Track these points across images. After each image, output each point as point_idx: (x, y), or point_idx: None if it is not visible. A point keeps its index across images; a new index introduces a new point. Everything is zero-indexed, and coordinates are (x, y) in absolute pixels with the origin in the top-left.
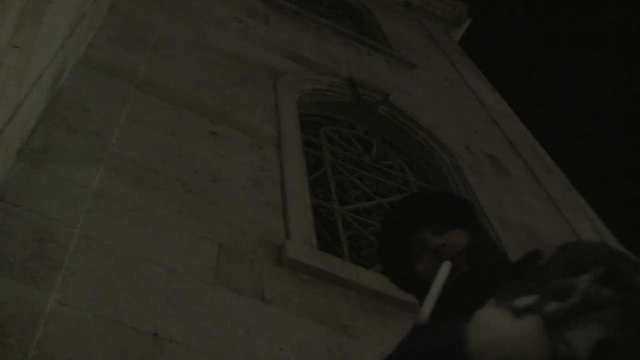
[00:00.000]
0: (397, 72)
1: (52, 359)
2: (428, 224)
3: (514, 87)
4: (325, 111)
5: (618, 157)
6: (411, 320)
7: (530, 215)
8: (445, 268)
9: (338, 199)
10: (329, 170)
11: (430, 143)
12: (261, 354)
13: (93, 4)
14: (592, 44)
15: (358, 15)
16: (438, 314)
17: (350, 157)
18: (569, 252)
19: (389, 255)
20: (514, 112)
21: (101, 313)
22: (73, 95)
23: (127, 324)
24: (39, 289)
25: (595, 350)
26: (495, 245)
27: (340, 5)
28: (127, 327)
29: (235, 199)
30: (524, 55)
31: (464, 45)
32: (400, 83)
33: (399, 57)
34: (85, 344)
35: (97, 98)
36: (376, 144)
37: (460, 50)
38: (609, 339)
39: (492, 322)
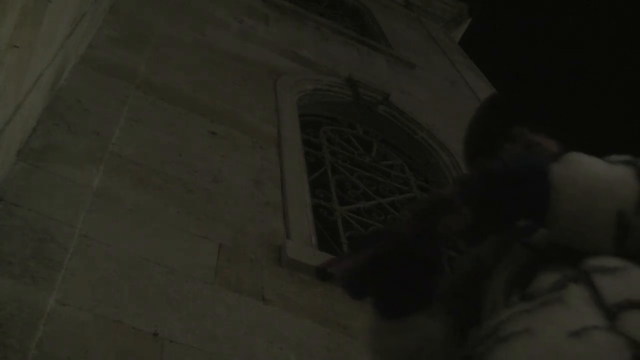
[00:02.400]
0: (397, 72)
1: (52, 359)
2: (527, 121)
3: (513, 87)
4: (325, 111)
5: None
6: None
7: None
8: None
9: (338, 199)
10: (329, 170)
11: (430, 143)
12: (261, 354)
13: (93, 4)
14: (593, 44)
15: (358, 15)
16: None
17: (350, 157)
18: None
19: (474, 140)
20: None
21: (101, 313)
22: (73, 95)
23: (127, 324)
24: (39, 289)
25: None
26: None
27: (340, 5)
28: (127, 327)
29: (235, 199)
30: (524, 55)
31: (464, 45)
32: (400, 83)
33: (399, 57)
34: (85, 344)
35: (97, 98)
36: (376, 144)
37: (460, 50)
38: None
39: (584, 159)
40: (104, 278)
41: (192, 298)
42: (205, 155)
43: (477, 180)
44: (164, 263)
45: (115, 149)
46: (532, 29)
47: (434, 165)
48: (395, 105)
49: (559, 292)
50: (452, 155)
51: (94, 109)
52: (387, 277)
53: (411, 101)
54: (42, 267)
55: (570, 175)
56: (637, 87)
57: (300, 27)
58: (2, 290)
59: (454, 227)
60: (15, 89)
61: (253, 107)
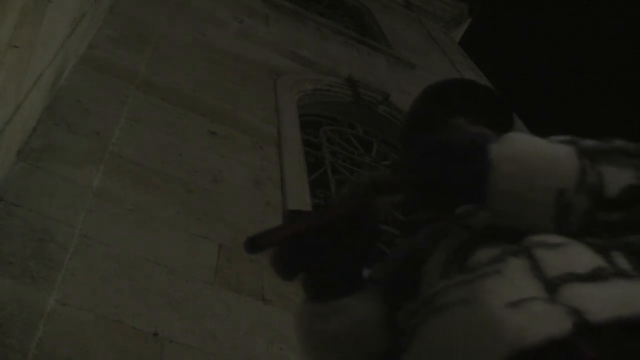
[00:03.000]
0: (397, 72)
1: (52, 359)
2: (467, 113)
3: (514, 87)
4: (325, 111)
5: None
6: None
7: None
8: None
9: None
10: (329, 170)
11: None
12: (261, 354)
13: (93, 4)
14: (593, 44)
15: (358, 15)
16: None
17: (350, 157)
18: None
19: (412, 129)
20: (514, 112)
21: (101, 313)
22: (73, 95)
23: (127, 324)
24: (39, 289)
25: (624, 192)
26: None
27: (340, 5)
28: (127, 327)
29: (235, 199)
30: (524, 55)
31: (464, 45)
32: (400, 83)
33: (399, 57)
34: (85, 344)
35: (97, 98)
36: (376, 144)
37: (460, 50)
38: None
39: (523, 137)
40: (104, 278)
41: (192, 298)
42: (205, 155)
43: (416, 154)
44: (164, 263)
45: (115, 149)
46: (532, 29)
47: None
48: (395, 105)
49: (498, 264)
50: None
51: (94, 109)
52: (319, 256)
53: (411, 101)
54: (42, 267)
55: (509, 152)
56: (638, 87)
57: (300, 27)
58: (2, 290)
59: (394, 206)
60: (15, 89)
61: (253, 107)
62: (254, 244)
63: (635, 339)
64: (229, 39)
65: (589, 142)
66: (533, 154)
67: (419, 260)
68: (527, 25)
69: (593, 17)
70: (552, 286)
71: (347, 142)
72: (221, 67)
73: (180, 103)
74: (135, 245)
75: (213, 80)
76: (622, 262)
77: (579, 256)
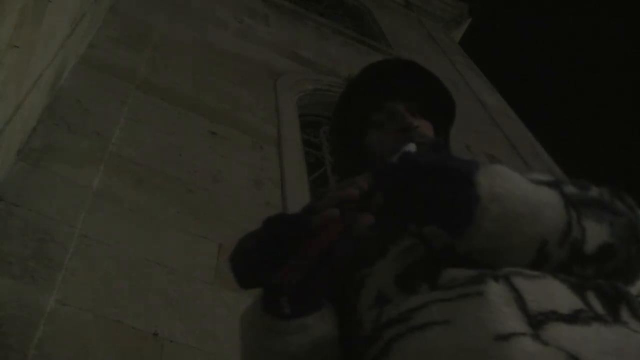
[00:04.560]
0: None
1: (52, 359)
2: (406, 98)
3: (514, 87)
4: (325, 111)
5: (619, 157)
6: None
7: None
8: (409, 149)
9: None
10: (329, 170)
11: None
12: None
13: (93, 4)
14: (593, 44)
15: (358, 15)
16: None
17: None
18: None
19: (343, 110)
20: (514, 112)
21: (101, 313)
22: (73, 95)
23: (127, 324)
24: (39, 289)
25: (599, 249)
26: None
27: (340, 5)
28: (127, 327)
29: (235, 199)
30: (524, 55)
31: (464, 45)
32: None
33: (399, 57)
34: (85, 344)
35: (97, 98)
36: None
37: (460, 50)
38: (613, 246)
39: (512, 176)
40: (104, 278)
41: (192, 298)
42: (205, 155)
43: (397, 169)
44: (164, 263)
45: (115, 149)
46: (532, 29)
47: None
48: None
49: (478, 285)
50: None
51: (94, 109)
52: (289, 272)
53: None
54: (42, 267)
55: (497, 192)
56: (638, 87)
57: (300, 27)
58: (2, 290)
59: (367, 223)
60: (15, 89)
61: (253, 107)
62: (250, 283)
63: None
64: (229, 39)
65: (572, 189)
66: (523, 197)
67: (364, 259)
68: (527, 25)
69: (594, 17)
70: (536, 322)
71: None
72: (221, 67)
73: (180, 103)
74: (135, 245)
75: (213, 80)
76: (597, 305)
77: (558, 293)
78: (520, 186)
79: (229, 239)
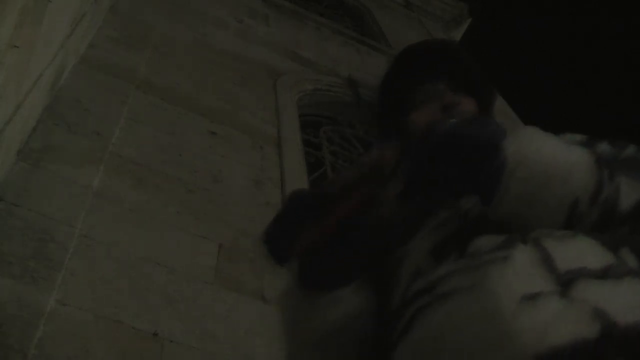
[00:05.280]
0: None
1: (52, 359)
2: (448, 77)
3: (514, 87)
4: (325, 111)
5: None
6: None
7: None
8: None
9: None
10: (329, 170)
11: None
12: (261, 354)
13: (93, 4)
14: (593, 44)
15: (358, 15)
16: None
17: (350, 157)
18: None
19: (385, 91)
20: (514, 112)
21: (101, 313)
22: (73, 95)
23: (127, 324)
24: (39, 289)
25: (635, 207)
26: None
27: (340, 5)
28: (127, 327)
29: (235, 199)
30: (524, 55)
31: (464, 45)
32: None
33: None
34: (85, 344)
35: (97, 98)
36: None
37: None
38: None
39: (540, 137)
40: (104, 278)
41: (192, 298)
42: (205, 155)
43: (425, 140)
44: (164, 263)
45: (115, 149)
46: (532, 29)
47: None
48: None
49: (504, 250)
50: None
51: (94, 109)
52: (320, 245)
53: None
54: (42, 267)
55: (524, 154)
56: (638, 87)
57: (300, 27)
58: (2, 290)
59: (392, 195)
60: (15, 89)
61: (253, 107)
62: (279, 256)
63: None
64: (229, 39)
65: (606, 148)
66: (550, 158)
67: (400, 237)
68: (527, 25)
69: (594, 17)
70: (564, 280)
71: (347, 142)
72: (221, 67)
73: (180, 103)
74: (135, 245)
75: (213, 80)
76: (631, 259)
77: (589, 250)
78: (548, 147)
79: (229, 239)
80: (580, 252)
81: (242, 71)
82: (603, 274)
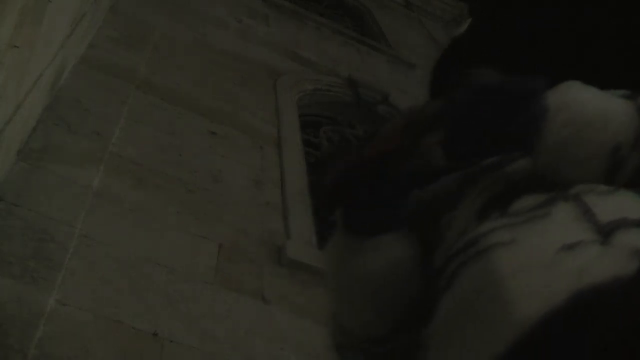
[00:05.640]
0: (397, 72)
1: (52, 359)
2: (498, 63)
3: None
4: (325, 111)
5: None
6: None
7: None
8: None
9: None
10: None
11: None
12: (261, 354)
13: (93, 4)
14: (594, 44)
15: (358, 15)
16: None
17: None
18: None
19: (437, 78)
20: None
21: (101, 313)
22: (73, 95)
23: (127, 324)
24: (39, 289)
25: None
26: None
27: (340, 5)
28: (127, 327)
29: (235, 199)
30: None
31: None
32: (400, 83)
33: (399, 57)
34: (85, 344)
35: (97, 98)
36: None
37: None
38: None
39: (581, 86)
40: (104, 278)
41: (192, 298)
42: (205, 155)
43: (464, 92)
44: (164, 263)
45: (115, 149)
46: (532, 28)
47: None
48: (395, 105)
49: (546, 208)
50: None
51: (94, 109)
52: (363, 188)
53: (411, 101)
54: (42, 267)
55: (565, 100)
56: (638, 87)
57: (300, 27)
58: (2, 290)
59: (434, 147)
60: (15, 89)
61: (253, 107)
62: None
63: None
64: (229, 39)
65: None
66: (591, 103)
67: (449, 204)
68: (527, 25)
69: (594, 17)
70: (606, 231)
71: (347, 142)
72: (221, 67)
73: (180, 103)
74: (135, 245)
75: (213, 80)
76: None
77: (631, 203)
78: (589, 94)
79: (229, 239)
80: (622, 204)
81: (242, 71)
82: None
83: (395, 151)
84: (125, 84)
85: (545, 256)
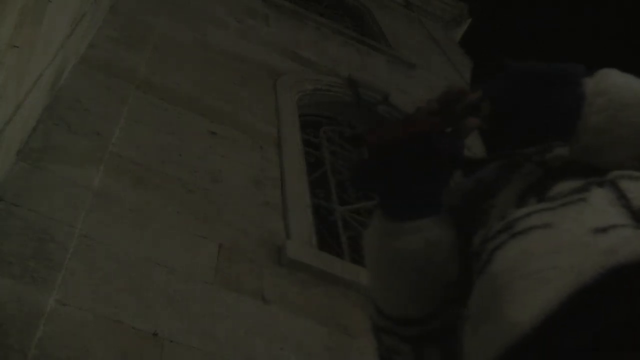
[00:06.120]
0: (397, 72)
1: (52, 359)
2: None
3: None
4: (325, 111)
5: None
6: None
7: None
8: None
9: (338, 199)
10: (329, 170)
11: None
12: (261, 354)
13: (93, 4)
14: (593, 44)
15: (358, 15)
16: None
17: (350, 157)
18: None
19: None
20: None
21: (101, 313)
22: (73, 95)
23: (127, 324)
24: (39, 289)
25: None
26: None
27: (340, 5)
28: (127, 327)
29: (235, 199)
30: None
31: (464, 45)
32: (400, 83)
33: (399, 57)
34: (85, 344)
35: (97, 98)
36: None
37: (460, 50)
38: None
39: (617, 73)
40: (104, 278)
41: (192, 298)
42: (205, 155)
43: (504, 78)
44: (164, 263)
45: (115, 149)
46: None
47: None
48: (395, 105)
49: (582, 193)
50: None
51: (94, 109)
52: (401, 172)
53: (411, 101)
54: (42, 267)
55: (602, 86)
56: None
57: (300, 27)
58: (2, 290)
59: (473, 130)
60: (15, 89)
61: (253, 107)
62: (358, 139)
63: None
64: (229, 39)
65: None
66: (627, 89)
67: (488, 192)
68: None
69: (595, 17)
70: (639, 216)
71: (348, 142)
72: (221, 67)
73: (180, 103)
74: (135, 245)
75: (213, 80)
76: None
77: None
78: (626, 79)
79: (229, 239)
80: None
81: (242, 71)
82: None
83: (432, 131)
84: (125, 84)
85: (578, 238)
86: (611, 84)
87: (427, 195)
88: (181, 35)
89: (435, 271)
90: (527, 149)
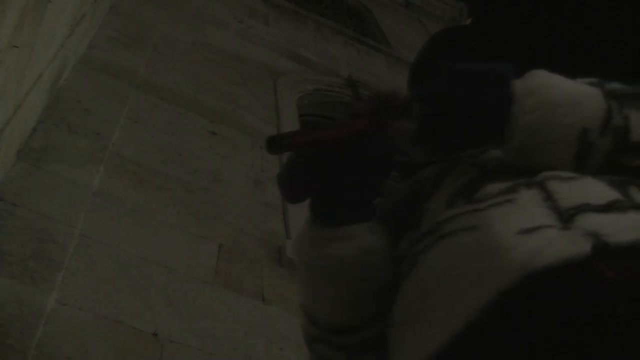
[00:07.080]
0: (397, 72)
1: (52, 359)
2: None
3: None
4: (325, 111)
5: None
6: None
7: None
8: None
9: None
10: None
11: None
12: (261, 354)
13: (93, 4)
14: (594, 44)
15: (358, 15)
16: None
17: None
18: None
19: (414, 73)
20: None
21: (101, 313)
22: (73, 95)
23: (127, 324)
24: (39, 289)
25: None
26: None
27: (340, 5)
28: (127, 327)
29: (235, 199)
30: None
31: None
32: (400, 83)
33: (399, 57)
34: (85, 344)
35: (97, 98)
36: None
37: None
38: None
39: (547, 73)
40: (104, 278)
41: (192, 298)
42: (205, 155)
43: (436, 80)
44: (164, 263)
45: (115, 149)
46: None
47: None
48: None
49: (509, 194)
50: None
51: (94, 109)
52: (331, 177)
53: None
54: (42, 267)
55: (532, 86)
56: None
57: (300, 27)
58: (2, 290)
59: (404, 133)
60: (15, 89)
61: (253, 107)
62: (276, 144)
63: None
64: (229, 39)
65: (616, 85)
66: (557, 89)
67: (423, 196)
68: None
69: (592, 17)
70: (566, 216)
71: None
72: (221, 67)
73: (180, 103)
74: (135, 245)
75: (213, 80)
76: (638, 197)
77: (594, 188)
78: (556, 80)
79: (229, 239)
80: (585, 190)
81: (242, 71)
82: (606, 208)
83: (363, 135)
84: (125, 84)
85: (503, 240)
86: (540, 84)
87: (357, 200)
88: (181, 35)
89: (369, 278)
90: (464, 151)
